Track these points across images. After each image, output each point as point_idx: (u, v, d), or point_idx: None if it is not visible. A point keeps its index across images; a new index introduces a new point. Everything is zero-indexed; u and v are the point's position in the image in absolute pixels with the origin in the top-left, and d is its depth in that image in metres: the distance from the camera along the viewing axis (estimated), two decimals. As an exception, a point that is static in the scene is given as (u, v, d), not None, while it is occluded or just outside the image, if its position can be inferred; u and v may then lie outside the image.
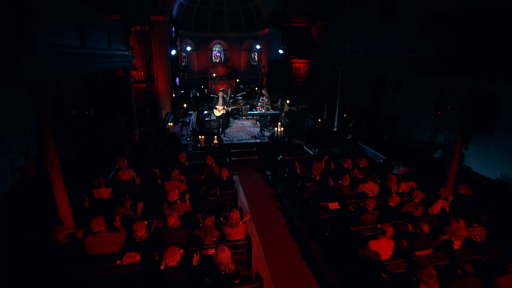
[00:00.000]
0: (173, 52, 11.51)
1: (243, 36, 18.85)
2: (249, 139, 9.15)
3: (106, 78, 9.51)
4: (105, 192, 4.72)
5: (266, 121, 9.79)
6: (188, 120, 11.03)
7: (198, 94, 12.54)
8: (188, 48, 14.11)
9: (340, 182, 5.17)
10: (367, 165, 5.93)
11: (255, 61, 19.03)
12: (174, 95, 11.90)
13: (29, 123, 5.42)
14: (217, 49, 19.23)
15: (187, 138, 9.46)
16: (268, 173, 7.92)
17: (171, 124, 8.23)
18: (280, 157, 7.26)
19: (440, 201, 4.44)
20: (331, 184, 5.16)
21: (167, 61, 11.97)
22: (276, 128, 8.77)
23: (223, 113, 9.38)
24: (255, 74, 18.87)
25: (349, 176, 5.22)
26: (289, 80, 11.55)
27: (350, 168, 5.90)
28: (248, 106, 12.30)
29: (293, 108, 12.43)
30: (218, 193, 4.58)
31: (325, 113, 9.44)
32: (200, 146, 7.98)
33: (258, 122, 11.23)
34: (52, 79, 6.47)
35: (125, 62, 7.52)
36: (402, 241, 3.65)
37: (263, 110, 9.59)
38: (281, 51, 11.84)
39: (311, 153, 7.86)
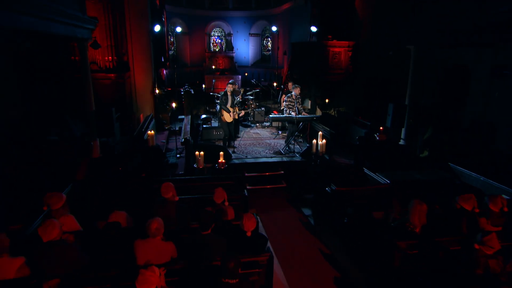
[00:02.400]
0: (157, 28, 9.99)
1: (253, 16, 18.34)
2: (270, 156, 8.12)
3: (55, 63, 7.91)
4: (8, 269, 2.89)
5: (296, 130, 8.42)
6: (177, 128, 10.25)
7: (192, 91, 11.42)
8: (178, 29, 12.90)
9: (478, 246, 3.38)
10: (505, 209, 4.27)
11: (268, 50, 18.96)
12: (158, 92, 11.28)
13: None
14: (216, 34, 19.19)
15: (176, 154, 8.52)
16: (307, 212, 6.73)
17: (152, 132, 6.73)
18: (333, 187, 5.60)
19: None
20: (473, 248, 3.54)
21: (148, 42, 11.07)
22: (314, 141, 7.13)
23: (234, 119, 8.44)
24: (268, 66, 18.37)
25: (496, 237, 3.41)
26: (324, 71, 10.80)
27: (474, 210, 4.30)
28: (262, 109, 11.47)
29: (330, 112, 10.96)
30: (240, 271, 3.10)
31: (390, 117, 7.77)
32: (197, 167, 6.79)
33: (280, 132, 10.23)
34: None
35: (77, 29, 5.99)
36: None
37: (292, 113, 8.34)
38: (313, 29, 10.61)
39: (382, 181, 6.10)
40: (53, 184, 5.42)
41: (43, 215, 4.01)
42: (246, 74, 16.91)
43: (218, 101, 8.60)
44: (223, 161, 7.12)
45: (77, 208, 4.41)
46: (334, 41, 10.80)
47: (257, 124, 11.29)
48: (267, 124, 11.22)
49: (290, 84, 9.92)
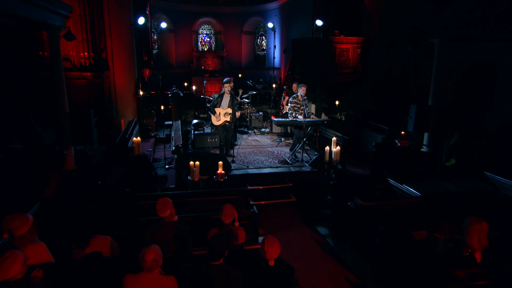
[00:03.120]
0: (141, 20, 9.57)
1: (245, 12, 18.06)
2: (275, 166, 7.86)
3: (20, 59, 7.33)
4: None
5: (304, 136, 8.15)
6: (164, 136, 9.93)
7: (181, 93, 11.45)
8: (163, 25, 12.51)
9: None
10: None
11: (263, 49, 18.71)
12: (142, 94, 11.01)
13: None
14: (205, 32, 18.80)
15: (165, 165, 8.21)
16: (323, 231, 6.31)
17: (138, 139, 6.26)
18: (357, 202, 5.18)
19: None
20: None
21: (130, 37, 10.74)
22: (326, 148, 6.76)
23: (227, 122, 8.00)
24: (262, 68, 18.26)
25: None
26: (330, 70, 10.57)
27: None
28: (260, 113, 11.34)
29: (336, 116, 10.65)
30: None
31: (412, 120, 7.47)
32: (191, 180, 6.35)
33: (282, 139, 9.99)
34: None
35: (48, 14, 5.44)
36: None
37: (299, 117, 8.07)
38: (319, 23, 10.43)
39: (412, 193, 5.71)
40: (16, 203, 4.96)
41: (2, 245, 3.34)
42: (240, 75, 16.62)
43: (213, 102, 8.15)
44: (223, 172, 6.70)
45: (47, 233, 3.79)
46: (342, 36, 10.53)
47: (255, 131, 11.11)
48: (267, 130, 11.07)
49: (294, 85, 9.72)
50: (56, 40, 6.46)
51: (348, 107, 11.24)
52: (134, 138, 6.52)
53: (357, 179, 7.45)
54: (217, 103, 8.02)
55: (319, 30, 11.47)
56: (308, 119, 8.05)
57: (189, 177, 6.53)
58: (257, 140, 10.10)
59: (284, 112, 9.87)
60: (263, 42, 18.52)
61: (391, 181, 6.42)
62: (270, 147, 9.41)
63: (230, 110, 7.95)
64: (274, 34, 14.29)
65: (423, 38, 8.02)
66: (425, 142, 8.21)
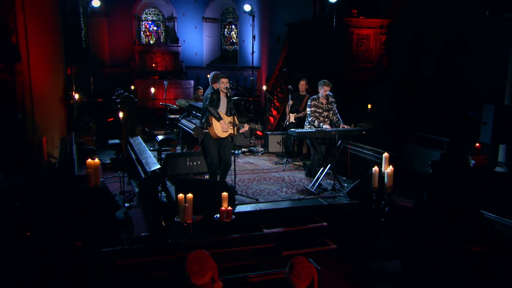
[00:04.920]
0: None
1: None
2: (297, 198, 7.75)
3: None
4: None
5: (337, 151, 8.13)
6: (109, 160, 9.99)
7: (136, 98, 11.61)
8: (96, 3, 12.22)
9: None
10: None
11: (233, 42, 19.23)
12: (77, 99, 11.12)
13: None
14: (150, 17, 19.13)
15: (124, 202, 7.76)
16: None
17: (96, 162, 5.94)
18: (466, 246, 4.91)
19: None
20: None
21: (55, 15, 10.39)
22: (374, 168, 6.76)
23: (229, 136, 7.84)
24: (233, 67, 18.70)
25: None
26: (346, 65, 11.01)
27: None
28: (259, 126, 11.70)
29: (365, 125, 10.50)
30: None
31: (488, 127, 7.72)
32: (181, 222, 5.85)
33: (289, 160, 9.99)
34: None
35: None
36: None
37: (324, 126, 8.05)
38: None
39: None
40: None
41: None
42: (209, 76, 16.52)
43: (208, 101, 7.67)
44: (229, 208, 6.23)
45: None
46: (361, 18, 10.87)
47: (243, 150, 11.06)
48: (260, 150, 11.23)
49: (302, 82, 9.90)
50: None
51: (369, 112, 11.12)
52: (89, 161, 5.78)
53: (438, 210, 6.96)
54: (217, 104, 7.59)
55: (324, 12, 12.05)
56: (339, 129, 7.85)
57: (176, 218, 5.93)
58: (251, 163, 10.09)
59: (288, 122, 9.80)
60: (233, 33, 18.97)
61: (485, 212, 6.11)
62: (274, 172, 9.33)
63: (230, 119, 7.47)
64: (253, 21, 13.92)
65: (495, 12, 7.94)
66: (501, 158, 8.14)
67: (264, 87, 12.81)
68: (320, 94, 8.09)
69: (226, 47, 19.09)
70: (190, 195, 5.85)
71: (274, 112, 12.55)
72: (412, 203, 7.90)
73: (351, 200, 7.56)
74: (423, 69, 11.04)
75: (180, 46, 18.13)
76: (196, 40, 18.88)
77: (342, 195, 7.74)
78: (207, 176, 8.45)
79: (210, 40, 19.04)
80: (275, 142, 10.56)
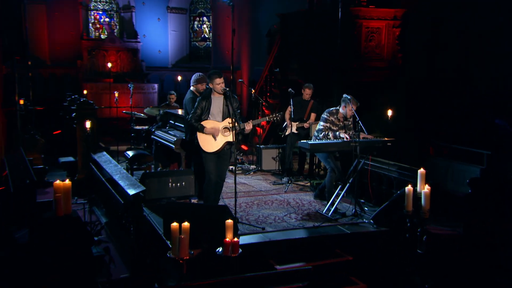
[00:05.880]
0: None
1: None
2: (312, 226, 7.82)
3: None
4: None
5: (355, 169, 8.24)
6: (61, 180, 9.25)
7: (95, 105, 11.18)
8: None
9: None
10: None
11: (205, 38, 19.71)
12: (21, 105, 11.53)
13: None
14: (101, 5, 19.48)
15: (93, 235, 7.35)
16: None
17: (67, 183, 5.74)
18: None
19: None
20: None
21: None
22: (408, 188, 6.67)
23: (226, 145, 7.94)
24: (206, 68, 18.74)
25: None
26: (352, 64, 11.24)
27: None
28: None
29: (377, 136, 10.87)
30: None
31: None
32: (174, 258, 5.87)
33: (291, 179, 10.11)
34: None
35: None
36: None
37: (343, 135, 8.23)
38: None
39: None
40: None
41: None
42: (180, 78, 17.36)
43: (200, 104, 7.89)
44: (236, 239, 6.22)
45: None
46: (371, 8, 11.02)
47: (230, 168, 10.73)
48: (252, 167, 11.29)
49: (308, 91, 10.15)
50: None
51: (379, 120, 11.36)
52: (59, 182, 5.56)
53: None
54: (203, 113, 7.58)
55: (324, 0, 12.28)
56: (361, 140, 7.88)
57: (169, 254, 5.79)
58: (244, 183, 10.14)
59: (289, 132, 10.03)
60: (205, 26, 19.40)
61: None
62: (275, 193, 9.38)
63: (229, 122, 7.53)
64: (233, 12, 13.93)
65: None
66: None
67: (253, 91, 12.77)
68: (341, 110, 8.22)
69: (197, 44, 19.28)
70: (186, 224, 5.68)
71: (263, 122, 12.46)
72: (450, 230, 8.25)
73: (378, 227, 7.55)
74: (444, 68, 11.22)
75: (139, 42, 18.19)
76: (160, 35, 19.07)
77: (366, 221, 7.75)
78: (193, 200, 8.62)
79: (176, 35, 19.21)
80: (269, 157, 10.63)
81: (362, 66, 11.14)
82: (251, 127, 7.91)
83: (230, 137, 7.57)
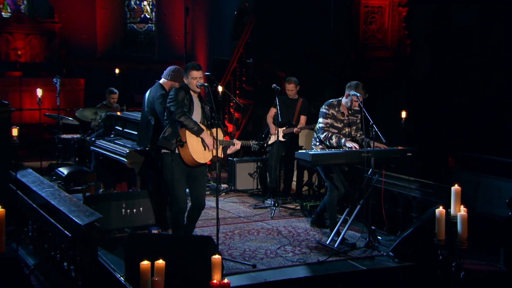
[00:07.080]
0: None
1: None
2: (317, 262, 7.88)
3: None
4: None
5: (368, 186, 8.32)
6: None
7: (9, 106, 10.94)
8: None
9: None
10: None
11: (147, 20, 20.55)
12: None
13: None
14: None
15: None
16: None
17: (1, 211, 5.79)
18: None
19: None
20: None
21: None
22: (439, 210, 6.89)
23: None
24: (147, 59, 20.00)
25: None
26: (347, 54, 11.60)
27: None
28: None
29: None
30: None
31: None
32: None
33: (272, 202, 10.30)
34: None
35: None
36: None
37: (348, 144, 8.30)
38: None
39: None
40: None
41: None
42: (117, 71, 17.47)
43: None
44: (226, 281, 6.19)
45: None
46: None
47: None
48: (223, 186, 11.58)
49: (290, 86, 10.41)
50: None
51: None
52: None
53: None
54: (189, 111, 7.76)
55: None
56: (376, 149, 7.88)
57: None
58: (219, 208, 9.71)
59: (270, 142, 10.40)
60: (145, 3, 20.06)
61: None
62: (259, 220, 9.54)
63: (220, 132, 7.71)
64: None
65: None
66: None
67: (220, 88, 12.66)
68: (343, 100, 8.16)
69: (135, 26, 20.01)
70: (161, 262, 5.55)
71: (230, 128, 12.50)
72: (486, 265, 8.17)
73: (400, 262, 7.56)
74: (462, 62, 11.28)
75: (58, 24, 18.42)
76: (84, 15, 19.45)
77: (384, 253, 7.73)
78: (155, 231, 8.60)
79: (107, 15, 19.64)
80: (245, 173, 10.82)
81: (360, 57, 11.29)
82: (238, 147, 8.06)
83: (212, 153, 7.61)
